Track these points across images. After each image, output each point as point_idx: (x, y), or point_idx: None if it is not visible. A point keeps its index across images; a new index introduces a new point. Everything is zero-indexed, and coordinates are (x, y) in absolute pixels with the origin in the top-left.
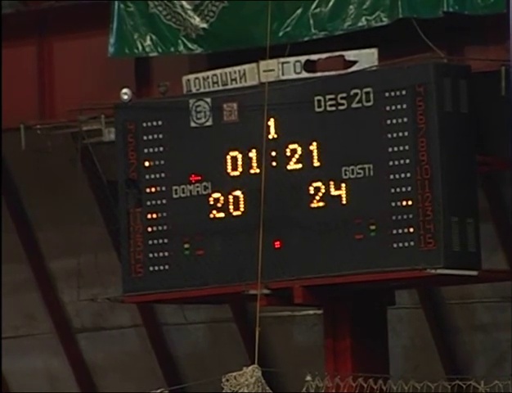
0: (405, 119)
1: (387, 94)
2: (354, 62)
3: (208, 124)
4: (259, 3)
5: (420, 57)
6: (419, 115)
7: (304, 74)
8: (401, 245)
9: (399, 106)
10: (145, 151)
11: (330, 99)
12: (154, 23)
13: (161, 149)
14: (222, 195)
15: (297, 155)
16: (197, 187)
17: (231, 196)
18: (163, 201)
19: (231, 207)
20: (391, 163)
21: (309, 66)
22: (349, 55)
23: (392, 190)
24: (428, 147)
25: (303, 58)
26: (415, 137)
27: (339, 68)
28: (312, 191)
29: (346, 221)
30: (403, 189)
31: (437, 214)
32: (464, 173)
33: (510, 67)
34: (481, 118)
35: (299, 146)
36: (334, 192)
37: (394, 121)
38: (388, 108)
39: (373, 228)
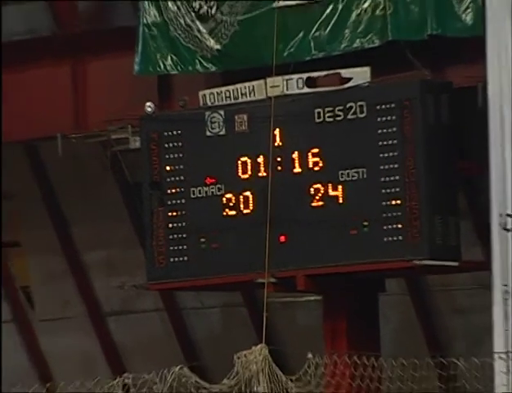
0: (394, 129)
1: (378, 107)
2: (349, 79)
3: (221, 133)
4: (266, 28)
5: (407, 75)
6: (406, 126)
7: (306, 90)
8: (390, 239)
9: (389, 118)
10: (167, 157)
11: (329, 111)
12: (175, 45)
13: (180, 155)
14: (234, 195)
15: (299, 161)
16: (212, 188)
17: (241, 197)
18: (183, 201)
19: (241, 206)
20: (382, 167)
21: (310, 82)
22: (345, 73)
23: (383, 191)
24: (414, 154)
25: (305, 75)
26: (403, 144)
27: (336, 84)
28: (312, 192)
29: (342, 218)
30: (392, 190)
31: (422, 213)
32: (446, 176)
33: (486, 83)
34: (461, 128)
35: (301, 152)
36: (332, 193)
37: (384, 131)
38: (379, 119)
39: (366, 224)
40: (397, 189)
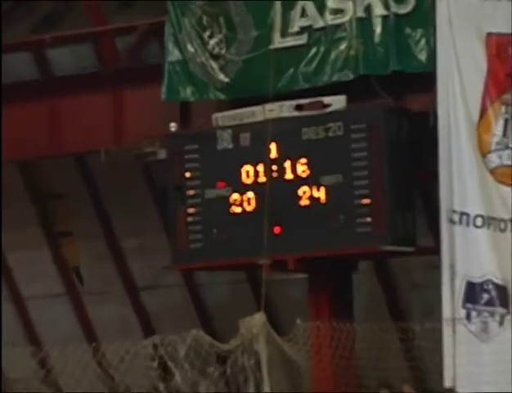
0: (364, 145)
1: (352, 127)
2: (329, 105)
3: (229, 147)
4: (264, 65)
5: (375, 102)
6: (374, 142)
7: (295, 113)
8: (362, 230)
9: (360, 136)
10: (186, 166)
11: (313, 130)
12: (193, 78)
13: (197, 165)
14: (239, 196)
15: (290, 169)
16: (222, 190)
17: (245, 197)
18: (198, 201)
19: (245, 204)
20: (355, 174)
21: (299, 108)
22: (326, 100)
23: (356, 192)
24: (380, 164)
25: (295, 102)
26: (371, 156)
27: (319, 109)
28: (300, 194)
29: (324, 214)
30: (363, 192)
31: (386, 209)
32: (405, 181)
33: (436, 108)
34: (417, 143)
35: (292, 162)
36: (316, 194)
37: (357, 146)
38: (352, 136)
39: (342, 218)
40: (367, 191)
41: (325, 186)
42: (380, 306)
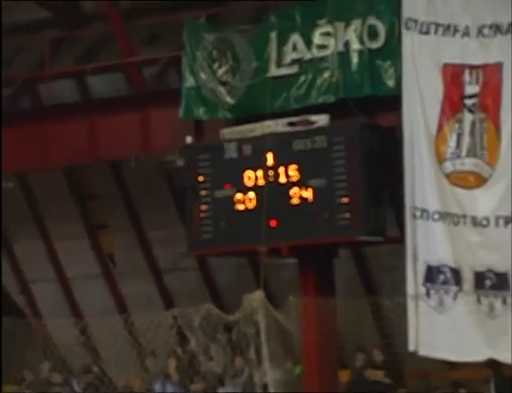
0: (343, 154)
1: (334, 140)
2: (315, 122)
3: (234, 156)
4: (263, 90)
5: (352, 120)
6: (351, 152)
7: (288, 129)
8: (341, 223)
9: (341, 147)
10: (200, 171)
11: (302, 142)
12: (205, 101)
13: (208, 170)
14: (242, 195)
15: (284, 174)
16: (228, 191)
17: (247, 196)
18: (209, 200)
19: (247, 202)
20: (336, 178)
21: (291, 124)
22: (313, 118)
23: (337, 193)
24: (356, 169)
25: (288, 119)
26: (349, 164)
27: (307, 125)
28: (292, 194)
29: (311, 211)
30: (342, 192)
31: (361, 207)
32: (377, 183)
33: (402, 124)
34: (387, 152)
35: (285, 168)
36: (304, 195)
37: (338, 155)
38: (334, 148)
39: (326, 214)
40: (346, 192)
41: (312, 187)
42: (356, 285)
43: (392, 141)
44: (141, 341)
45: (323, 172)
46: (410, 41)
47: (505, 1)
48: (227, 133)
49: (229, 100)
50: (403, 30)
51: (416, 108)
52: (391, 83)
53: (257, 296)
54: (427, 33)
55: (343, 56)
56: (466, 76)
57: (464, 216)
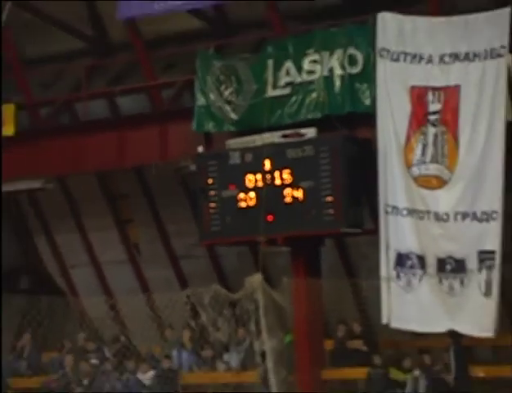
0: (328, 161)
1: (320, 149)
2: (305, 134)
3: (238, 162)
4: (262, 108)
5: (335, 133)
6: (335, 159)
7: (282, 140)
8: (327, 218)
9: (326, 155)
10: (209, 175)
11: (294, 151)
12: (213, 117)
13: (215, 174)
14: (244, 195)
15: (279, 177)
16: (232, 191)
17: (248, 196)
18: (217, 198)
19: (248, 201)
20: (322, 180)
21: (285, 136)
22: (303, 131)
23: (323, 193)
24: (338, 174)
25: (282, 132)
26: (333, 169)
27: (298, 137)
28: (285, 194)
29: (302, 208)
30: (328, 192)
31: (343, 204)
32: (356, 185)
33: (377, 136)
34: (364, 159)
35: (280, 172)
36: (296, 195)
37: (324, 161)
38: (321, 155)
39: (315, 211)
40: (330, 192)
41: (302, 188)
42: (339, 269)
43: (368, 150)
44: (160, 315)
45: (311, 176)
46: (383, 67)
47: (462, 34)
48: (232, 143)
49: (233, 116)
50: (377, 58)
51: (388, 123)
52: (367, 102)
53: (256, 278)
54: (397, 60)
55: (328, 79)
56: (430, 96)
57: (428, 212)
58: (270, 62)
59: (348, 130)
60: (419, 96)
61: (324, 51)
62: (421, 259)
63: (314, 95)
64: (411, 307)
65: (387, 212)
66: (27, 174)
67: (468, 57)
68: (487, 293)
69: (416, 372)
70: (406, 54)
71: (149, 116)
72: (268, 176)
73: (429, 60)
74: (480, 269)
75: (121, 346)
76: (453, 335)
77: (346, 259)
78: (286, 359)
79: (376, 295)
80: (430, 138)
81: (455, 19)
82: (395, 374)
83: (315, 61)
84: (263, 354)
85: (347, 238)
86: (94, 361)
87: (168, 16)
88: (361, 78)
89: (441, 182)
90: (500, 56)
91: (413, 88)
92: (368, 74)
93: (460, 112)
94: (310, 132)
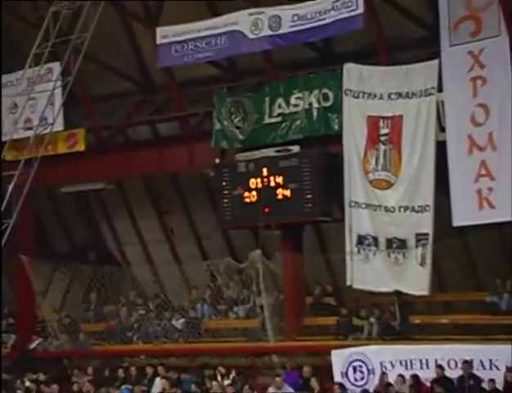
0: (309, 169)
1: (302, 161)
2: (292, 150)
3: (243, 170)
4: (261, 131)
5: (313, 149)
6: (313, 169)
7: (276, 154)
8: (307, 210)
9: (307, 165)
10: (223, 179)
11: (284, 162)
12: (226, 137)
13: (228, 179)
14: (248, 193)
15: (273, 181)
16: (239, 191)
17: (251, 194)
18: (229, 196)
19: (251, 198)
20: (304, 183)
21: (277, 151)
22: (290, 147)
23: (305, 192)
24: (316, 179)
25: (276, 149)
26: (312, 176)
27: (287, 152)
28: (278, 192)
29: (289, 202)
30: (308, 191)
31: (320, 200)
32: (328, 187)
33: (343, 150)
34: (333, 171)
35: (274, 177)
36: (285, 193)
37: (306, 169)
38: (303, 165)
39: (299, 205)
40: (310, 191)
41: (290, 189)
42: (315, 247)
43: (337, 161)
44: (188, 279)
45: (297, 180)
46: (347, 102)
47: (404, 79)
48: (239, 156)
49: (240, 137)
50: (344, 96)
51: (351, 142)
52: (336, 127)
53: (257, 253)
54: (357, 97)
55: (308, 111)
56: (381, 123)
57: (380, 206)
58: (267, 99)
59: (323, 147)
60: (373, 123)
61: (305, 91)
62: (375, 239)
63: (298, 122)
64: (368, 273)
65: (350, 205)
66: (94, 178)
67: (408, 95)
68: (422, 263)
69: (371, 320)
70: (364, 93)
71: (180, 137)
72: (266, 180)
73: (381, 97)
74: (417, 246)
75: (160, 301)
76: (398, 293)
77: (321, 240)
78: (278, 311)
79: (343, 265)
80: (381, 153)
81: (399, 68)
82: (356, 321)
83: (299, 98)
84: (262, 307)
85: (321, 225)
86: (141, 312)
87: (194, 65)
88: (332, 109)
89: (389, 184)
90: (431, 94)
91: (369, 117)
92: (337, 107)
93: (402, 134)
94: (295, 148)
